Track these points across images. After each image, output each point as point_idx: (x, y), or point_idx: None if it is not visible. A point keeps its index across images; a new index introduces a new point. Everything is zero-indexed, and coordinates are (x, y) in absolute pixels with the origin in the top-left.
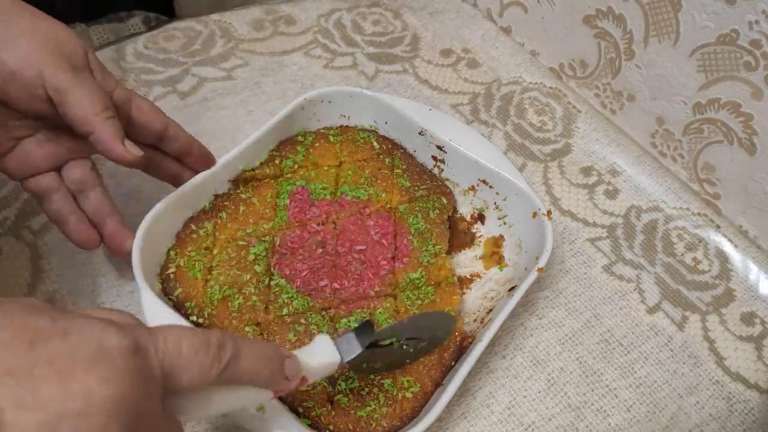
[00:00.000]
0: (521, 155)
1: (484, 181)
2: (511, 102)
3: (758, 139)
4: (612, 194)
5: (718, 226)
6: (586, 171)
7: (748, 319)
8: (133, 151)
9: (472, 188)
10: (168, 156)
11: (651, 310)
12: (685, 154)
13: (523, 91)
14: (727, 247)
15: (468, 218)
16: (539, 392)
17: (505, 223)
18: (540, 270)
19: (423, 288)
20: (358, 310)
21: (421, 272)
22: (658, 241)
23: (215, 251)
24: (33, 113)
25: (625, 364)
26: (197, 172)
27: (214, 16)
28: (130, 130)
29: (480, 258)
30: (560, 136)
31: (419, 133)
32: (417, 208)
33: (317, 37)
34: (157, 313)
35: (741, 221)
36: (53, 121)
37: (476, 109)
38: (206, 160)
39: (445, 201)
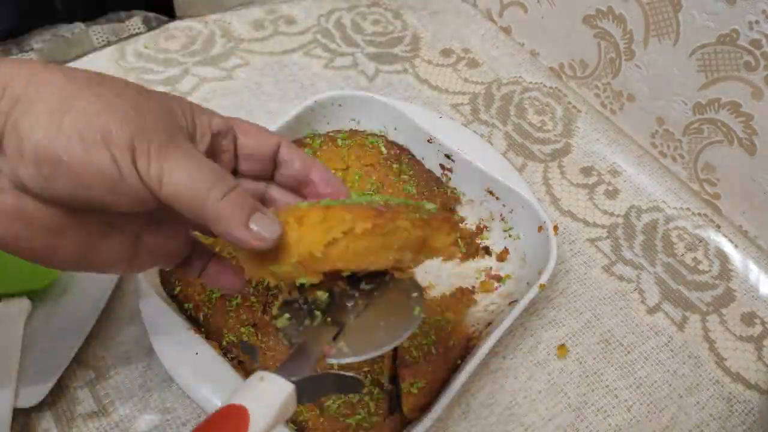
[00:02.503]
0: (521, 155)
1: (490, 192)
2: (511, 102)
3: (758, 139)
4: (612, 194)
5: (719, 226)
6: (587, 171)
7: (748, 319)
8: (265, 233)
9: (479, 199)
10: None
11: (651, 311)
12: (685, 154)
13: (523, 91)
14: (728, 247)
15: (473, 229)
16: (539, 392)
17: (510, 236)
18: (542, 286)
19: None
20: None
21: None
22: (659, 241)
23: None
24: (129, 210)
25: (626, 364)
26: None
27: (214, 16)
28: (237, 166)
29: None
30: (560, 136)
31: (428, 141)
32: None
33: (317, 37)
34: (154, 311)
35: (741, 221)
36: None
37: (476, 109)
38: (330, 186)
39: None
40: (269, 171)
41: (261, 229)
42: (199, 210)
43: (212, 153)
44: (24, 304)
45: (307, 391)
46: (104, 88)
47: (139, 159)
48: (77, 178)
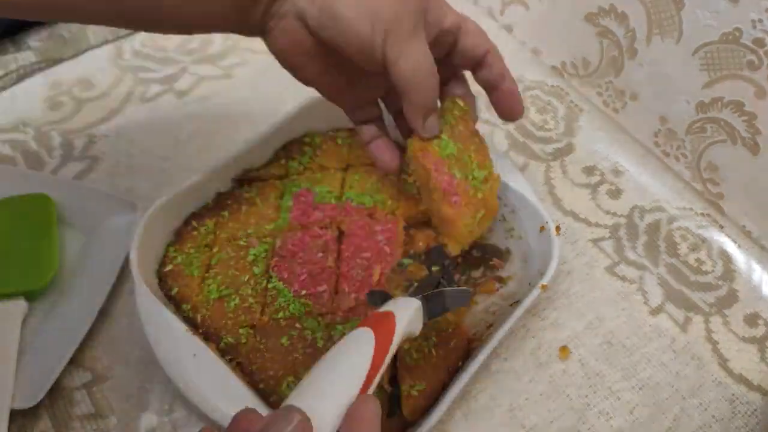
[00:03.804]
0: (523, 154)
1: None
2: None
3: (761, 139)
4: (615, 194)
5: (722, 227)
6: (589, 170)
7: (751, 320)
8: (430, 131)
9: None
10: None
11: (654, 312)
12: (688, 153)
13: (525, 89)
14: (731, 248)
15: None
16: (541, 394)
17: (512, 236)
18: (544, 287)
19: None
20: (355, 318)
21: None
22: (662, 242)
23: (215, 249)
24: (368, 67)
25: (628, 365)
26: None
27: None
28: (451, 57)
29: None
30: (562, 135)
31: None
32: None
33: None
34: (152, 312)
35: (745, 221)
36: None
37: (477, 107)
38: (510, 101)
39: (461, 103)
40: (473, 69)
41: (430, 126)
42: (411, 89)
43: (433, 44)
44: (21, 304)
45: (430, 307)
46: None
47: (388, 39)
48: (343, 35)
